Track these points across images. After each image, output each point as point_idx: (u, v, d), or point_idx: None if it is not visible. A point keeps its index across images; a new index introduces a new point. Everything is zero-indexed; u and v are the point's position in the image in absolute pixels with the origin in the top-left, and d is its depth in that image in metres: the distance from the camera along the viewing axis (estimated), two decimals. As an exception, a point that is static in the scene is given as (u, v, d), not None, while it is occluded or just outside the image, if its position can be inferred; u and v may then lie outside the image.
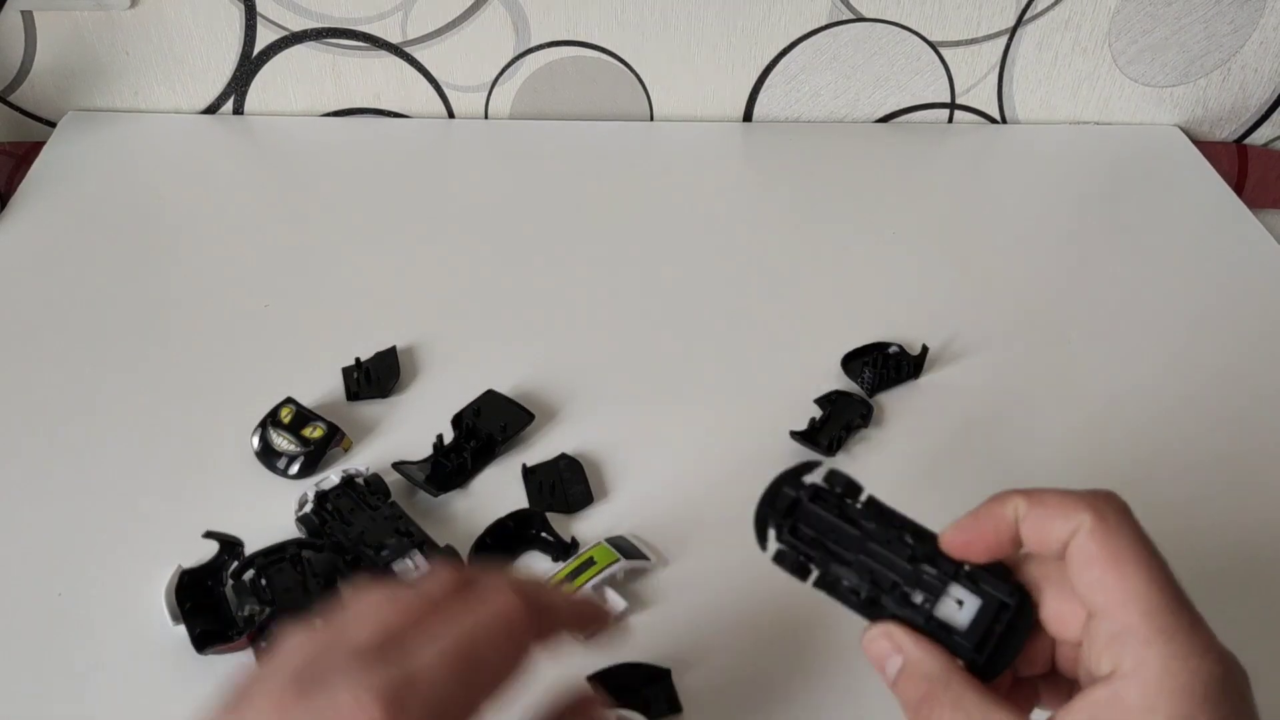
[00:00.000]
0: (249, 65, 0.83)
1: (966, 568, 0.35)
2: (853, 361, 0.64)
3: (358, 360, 0.63)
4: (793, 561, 0.37)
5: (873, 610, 0.36)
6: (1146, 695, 0.30)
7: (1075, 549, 0.33)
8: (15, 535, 0.54)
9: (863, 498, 0.37)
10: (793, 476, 0.38)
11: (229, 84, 0.84)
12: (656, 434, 0.61)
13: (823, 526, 0.37)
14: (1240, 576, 0.54)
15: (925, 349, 0.65)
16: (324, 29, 0.82)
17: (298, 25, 0.82)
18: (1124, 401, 0.64)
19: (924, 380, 0.65)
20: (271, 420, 0.58)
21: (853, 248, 0.76)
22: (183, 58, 0.83)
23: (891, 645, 0.34)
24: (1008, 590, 0.35)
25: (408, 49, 0.83)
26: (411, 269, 0.72)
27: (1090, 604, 0.32)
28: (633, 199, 0.80)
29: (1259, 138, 0.92)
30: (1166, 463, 0.60)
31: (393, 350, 0.64)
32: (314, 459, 0.57)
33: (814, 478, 0.38)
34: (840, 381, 0.64)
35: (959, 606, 0.35)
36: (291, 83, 0.85)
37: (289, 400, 0.60)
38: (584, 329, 0.68)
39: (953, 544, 0.35)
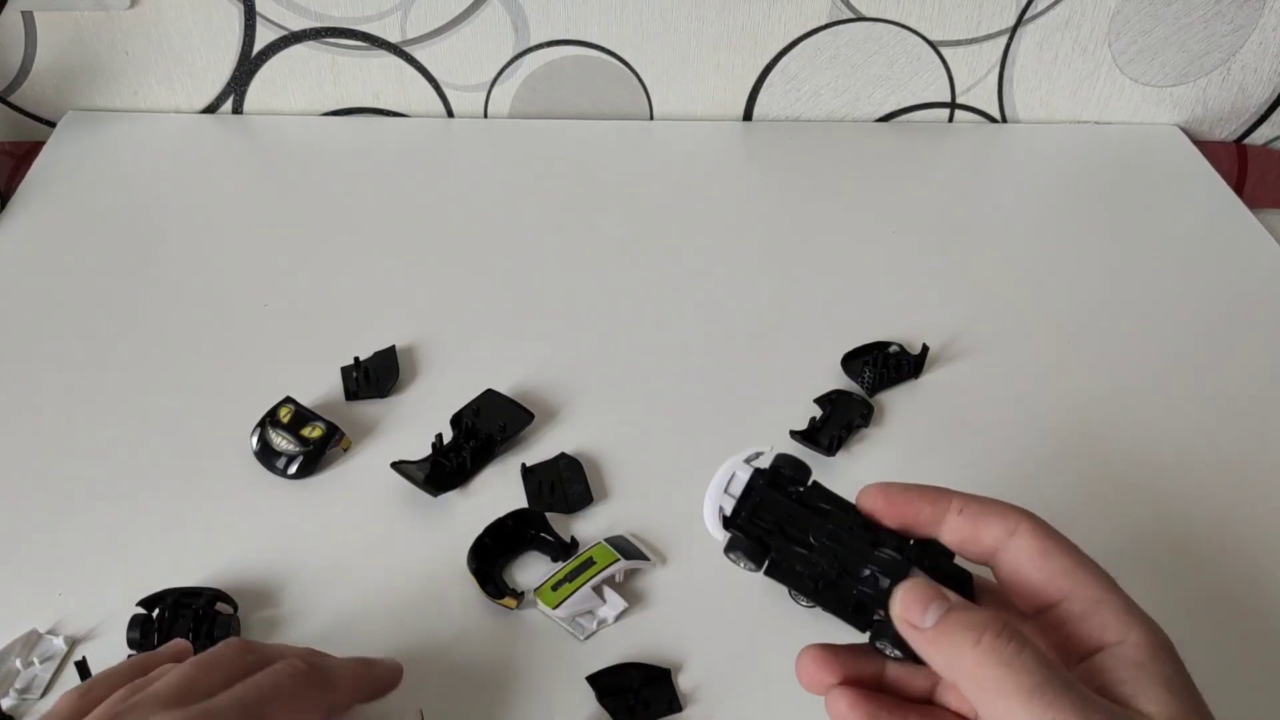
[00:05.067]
0: (248, 65, 0.83)
1: (913, 544, 0.36)
2: (853, 361, 0.64)
3: (357, 360, 0.63)
4: (749, 547, 0.36)
5: (827, 596, 0.35)
6: (1147, 652, 0.33)
7: (1025, 545, 0.35)
8: (15, 534, 0.54)
9: (809, 482, 0.37)
10: (744, 462, 0.37)
11: (228, 83, 0.84)
12: (656, 434, 0.60)
13: (779, 511, 0.36)
14: (1241, 575, 0.54)
15: (925, 349, 0.65)
16: (323, 28, 0.82)
17: (297, 25, 0.81)
18: (1123, 401, 0.64)
19: (924, 380, 0.65)
20: (270, 420, 0.58)
21: (853, 247, 0.76)
22: (182, 57, 0.83)
23: (934, 593, 0.34)
24: (962, 571, 0.36)
25: (407, 48, 0.83)
26: (411, 268, 0.72)
27: (1052, 589, 0.35)
28: (632, 199, 0.80)
29: (1259, 138, 0.92)
30: (1166, 462, 0.60)
31: (392, 350, 0.64)
32: (313, 459, 0.57)
33: (762, 462, 0.37)
34: (840, 381, 0.64)
35: None
36: (291, 82, 0.85)
37: (288, 400, 0.60)
38: (583, 328, 0.68)
39: (874, 502, 0.36)
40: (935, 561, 0.36)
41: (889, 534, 0.36)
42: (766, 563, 0.36)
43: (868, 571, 0.35)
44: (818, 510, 0.36)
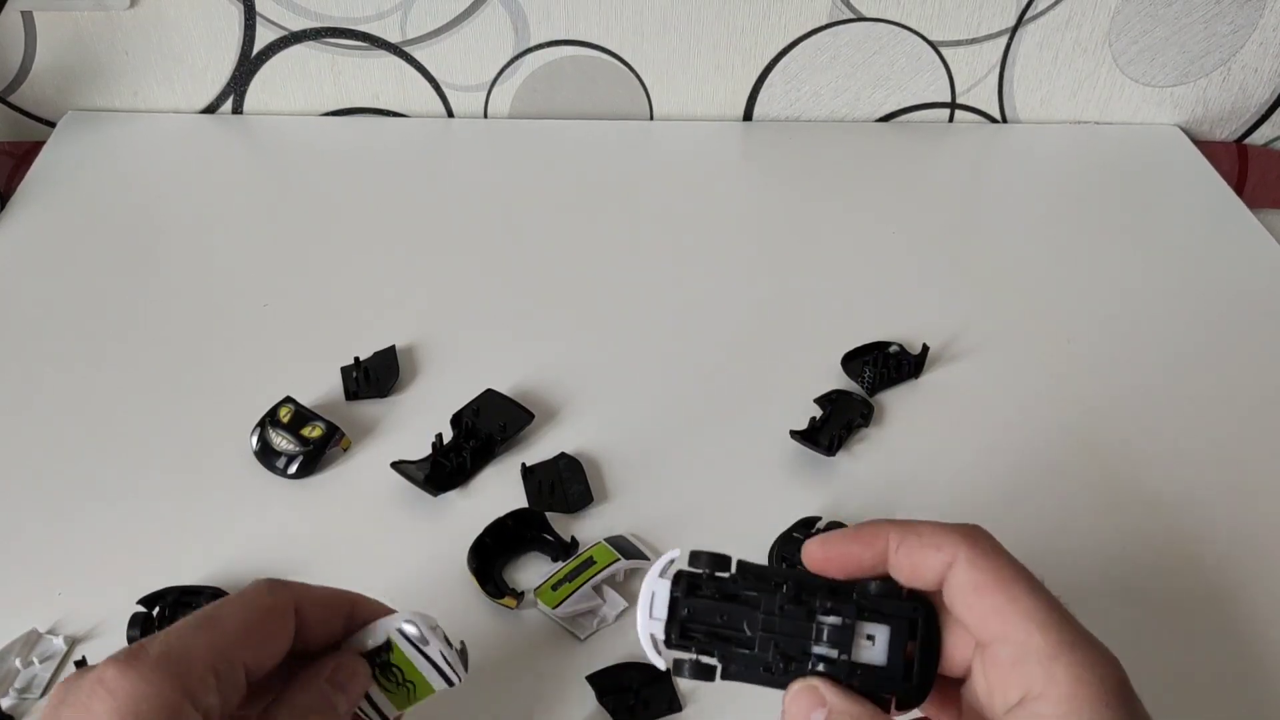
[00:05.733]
0: (248, 65, 0.83)
1: (857, 598, 0.35)
2: (853, 361, 0.64)
3: (357, 359, 0.63)
4: (693, 666, 0.35)
5: (788, 679, 0.35)
6: (1064, 708, 0.31)
7: (959, 579, 0.34)
8: (15, 534, 0.54)
9: (733, 567, 0.36)
10: (659, 577, 0.36)
11: (228, 84, 0.84)
12: (656, 434, 0.60)
13: (710, 615, 0.35)
14: (1242, 576, 0.54)
15: (925, 348, 0.65)
16: (323, 28, 0.82)
17: (297, 25, 0.81)
18: (1123, 400, 0.64)
19: (924, 380, 0.65)
20: (270, 420, 0.58)
21: (853, 247, 0.76)
22: (182, 57, 0.83)
23: (815, 699, 0.34)
24: (910, 607, 0.35)
25: (407, 48, 0.83)
26: (411, 268, 0.72)
27: (984, 631, 0.33)
28: (632, 199, 0.80)
29: (1259, 138, 0.92)
30: (1166, 461, 0.60)
31: (392, 349, 0.64)
32: (313, 458, 0.57)
33: (678, 566, 0.36)
34: (840, 381, 0.64)
35: (871, 643, 0.34)
36: (291, 82, 0.85)
37: (288, 399, 0.60)
38: (583, 328, 0.68)
39: (814, 557, 0.36)
40: (876, 606, 0.34)
41: (828, 589, 0.35)
42: (719, 671, 0.35)
43: (816, 648, 0.34)
44: (747, 600, 0.35)
